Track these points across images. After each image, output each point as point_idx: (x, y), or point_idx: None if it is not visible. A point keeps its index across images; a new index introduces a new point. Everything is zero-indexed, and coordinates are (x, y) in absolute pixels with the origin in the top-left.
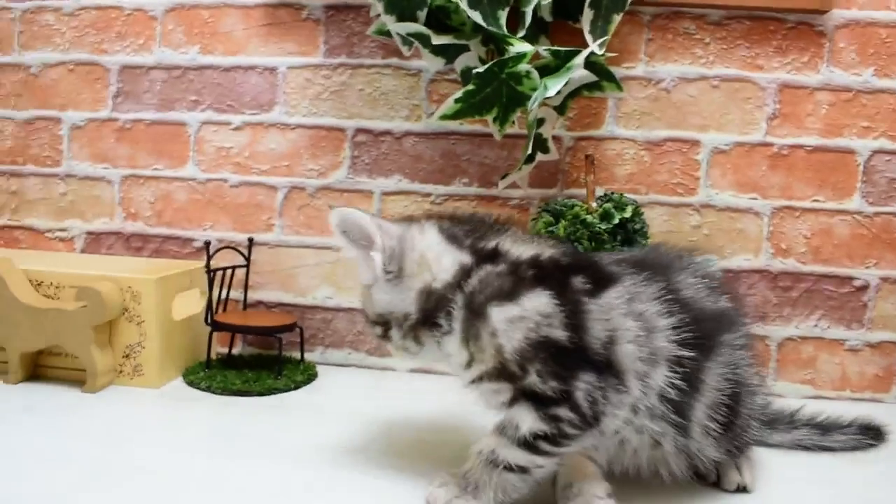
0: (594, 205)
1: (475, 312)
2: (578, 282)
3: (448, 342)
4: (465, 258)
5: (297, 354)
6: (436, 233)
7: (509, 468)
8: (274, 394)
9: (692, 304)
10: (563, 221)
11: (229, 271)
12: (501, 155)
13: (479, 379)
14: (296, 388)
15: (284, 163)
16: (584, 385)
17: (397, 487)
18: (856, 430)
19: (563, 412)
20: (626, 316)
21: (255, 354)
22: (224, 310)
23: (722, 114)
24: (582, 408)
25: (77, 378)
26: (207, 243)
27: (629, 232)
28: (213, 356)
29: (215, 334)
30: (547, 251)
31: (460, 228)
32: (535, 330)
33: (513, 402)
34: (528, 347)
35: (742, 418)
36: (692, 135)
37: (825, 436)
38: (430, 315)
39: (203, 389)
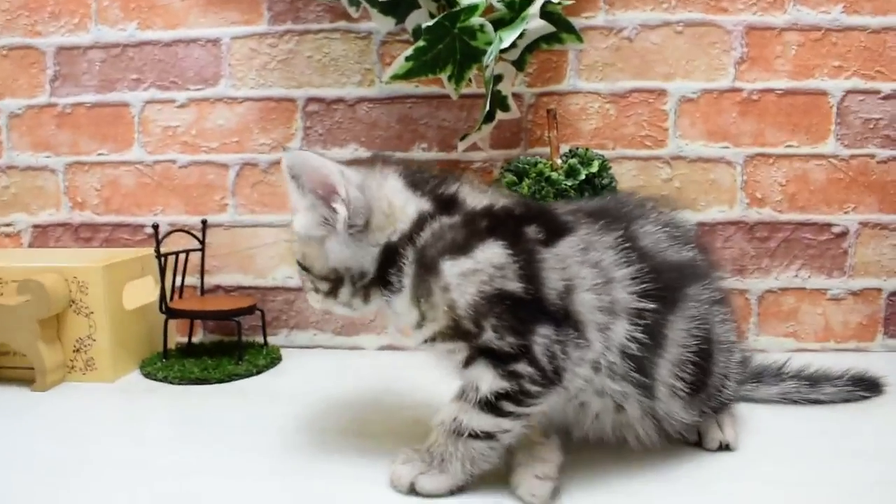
0: (559, 161)
1: (427, 267)
2: (532, 231)
3: (397, 301)
4: (425, 205)
5: (261, 339)
6: (397, 178)
7: (475, 436)
8: (235, 380)
9: (652, 254)
10: (526, 180)
11: (182, 256)
12: (461, 116)
13: (433, 339)
14: (258, 373)
15: (234, 139)
16: (541, 339)
17: (363, 469)
18: (846, 382)
19: (523, 368)
20: (581, 264)
21: (216, 341)
22: (180, 296)
23: (688, 60)
24: (541, 362)
25: (28, 377)
26: (155, 227)
27: (596, 188)
28: (173, 345)
29: (175, 323)
30: (500, 201)
31: (420, 174)
32: (489, 283)
33: (470, 361)
34: (482, 302)
35: (714, 377)
36: (658, 84)
37: (814, 388)
38: (386, 270)
39: (160, 380)
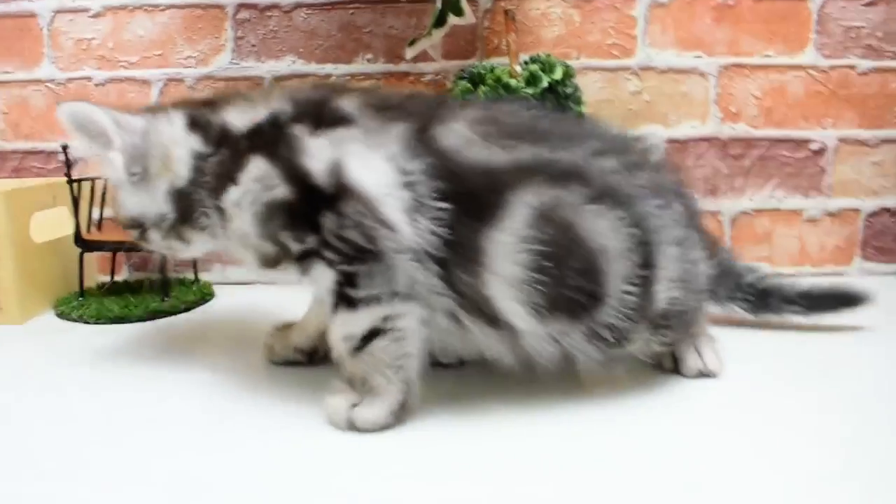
0: (518, 68)
1: (218, 210)
2: (297, 129)
3: (220, 237)
4: (197, 144)
5: (192, 275)
6: (182, 122)
7: (366, 339)
8: (159, 318)
9: (453, 155)
10: (482, 87)
11: (100, 182)
12: (410, 23)
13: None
14: (186, 310)
15: (157, 51)
16: (327, 228)
17: (299, 409)
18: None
19: (328, 254)
20: (354, 142)
21: (142, 279)
22: (99, 228)
23: None
24: (338, 247)
25: None
26: (65, 147)
27: (560, 97)
28: (93, 284)
29: (97, 261)
30: (270, 109)
31: (201, 110)
32: (257, 200)
33: (305, 269)
34: (262, 222)
35: (610, 298)
36: None
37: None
38: (188, 214)
39: (74, 320)
